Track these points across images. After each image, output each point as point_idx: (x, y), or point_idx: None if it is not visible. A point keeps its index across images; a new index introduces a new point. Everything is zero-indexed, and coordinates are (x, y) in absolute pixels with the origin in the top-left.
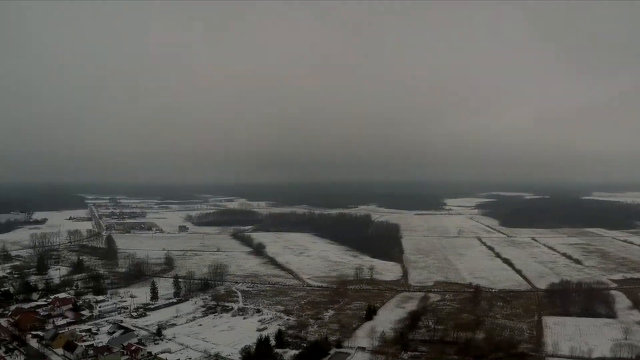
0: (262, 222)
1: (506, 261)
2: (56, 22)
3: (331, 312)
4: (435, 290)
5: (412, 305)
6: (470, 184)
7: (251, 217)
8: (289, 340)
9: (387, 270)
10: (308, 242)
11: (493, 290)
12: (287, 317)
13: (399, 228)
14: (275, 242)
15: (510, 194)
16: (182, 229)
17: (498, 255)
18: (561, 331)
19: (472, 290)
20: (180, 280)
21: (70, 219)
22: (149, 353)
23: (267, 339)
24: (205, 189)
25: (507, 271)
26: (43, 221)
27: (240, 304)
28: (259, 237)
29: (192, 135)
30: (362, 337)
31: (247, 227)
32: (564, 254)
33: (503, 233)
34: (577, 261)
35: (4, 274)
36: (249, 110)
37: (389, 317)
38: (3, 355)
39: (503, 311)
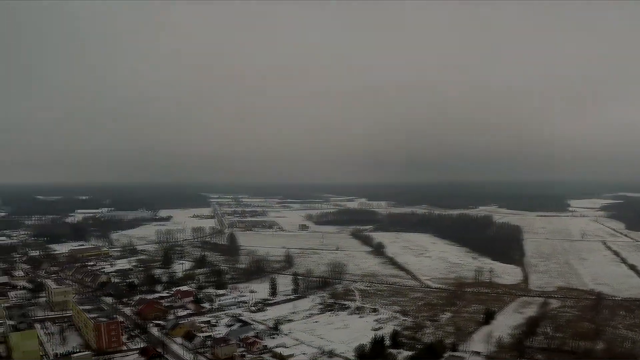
0: (382, 222)
1: (632, 267)
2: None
3: (448, 314)
4: (556, 296)
5: (531, 311)
6: (595, 185)
7: (371, 216)
8: (404, 341)
9: (507, 274)
10: (427, 243)
11: (616, 298)
12: (403, 318)
13: (521, 230)
14: (394, 242)
15: (639, 195)
16: (303, 227)
17: (624, 260)
18: None
19: (593, 297)
20: (298, 277)
21: (193, 216)
22: (265, 347)
23: (382, 338)
24: (325, 189)
25: (632, 278)
26: (168, 218)
27: (357, 303)
28: (378, 236)
29: (314, 136)
30: (478, 341)
31: (366, 227)
32: None
33: (630, 237)
34: None
35: (130, 267)
36: (368, 111)
37: (506, 322)
38: (125, 341)
39: (625, 321)
